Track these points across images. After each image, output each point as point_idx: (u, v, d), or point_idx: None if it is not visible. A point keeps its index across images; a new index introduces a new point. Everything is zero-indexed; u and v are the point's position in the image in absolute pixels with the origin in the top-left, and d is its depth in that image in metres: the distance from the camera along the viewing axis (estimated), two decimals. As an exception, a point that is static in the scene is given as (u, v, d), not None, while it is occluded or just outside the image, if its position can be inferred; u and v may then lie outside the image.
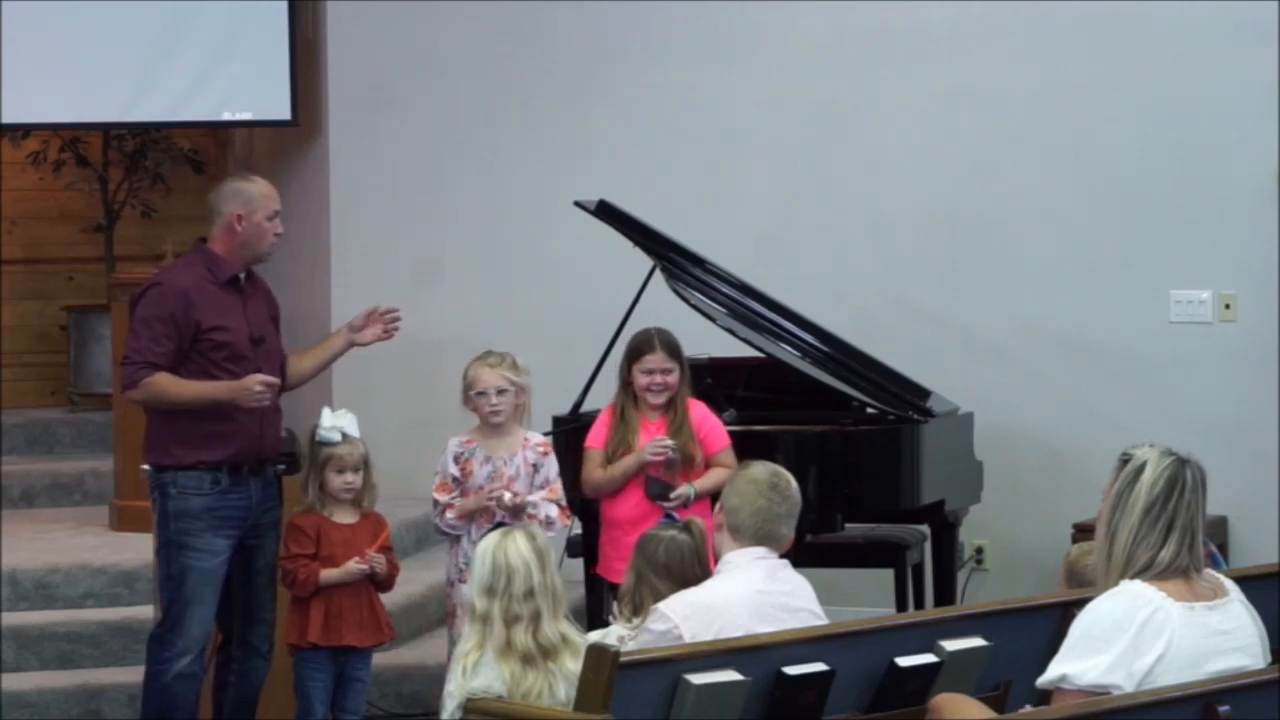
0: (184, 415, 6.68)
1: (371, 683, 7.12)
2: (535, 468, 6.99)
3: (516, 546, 5.44)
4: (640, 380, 7.10)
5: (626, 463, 7.04)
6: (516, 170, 9.43)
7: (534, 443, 7.04)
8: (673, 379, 7.08)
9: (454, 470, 6.97)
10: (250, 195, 6.82)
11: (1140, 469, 4.71)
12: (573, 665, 5.25)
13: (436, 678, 6.80)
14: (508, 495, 6.85)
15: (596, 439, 7.15)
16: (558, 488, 7.02)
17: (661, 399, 7.08)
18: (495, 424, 6.97)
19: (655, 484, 6.98)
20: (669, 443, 6.98)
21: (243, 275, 6.84)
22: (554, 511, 6.95)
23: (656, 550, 5.72)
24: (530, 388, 7.07)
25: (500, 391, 6.96)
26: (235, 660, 6.84)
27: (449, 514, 6.93)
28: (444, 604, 7.20)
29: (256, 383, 6.62)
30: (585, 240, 8.49)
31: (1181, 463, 4.72)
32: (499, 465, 6.96)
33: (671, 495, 6.95)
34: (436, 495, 6.97)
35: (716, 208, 9.02)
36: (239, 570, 6.79)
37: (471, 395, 7.00)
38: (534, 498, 6.93)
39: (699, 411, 7.15)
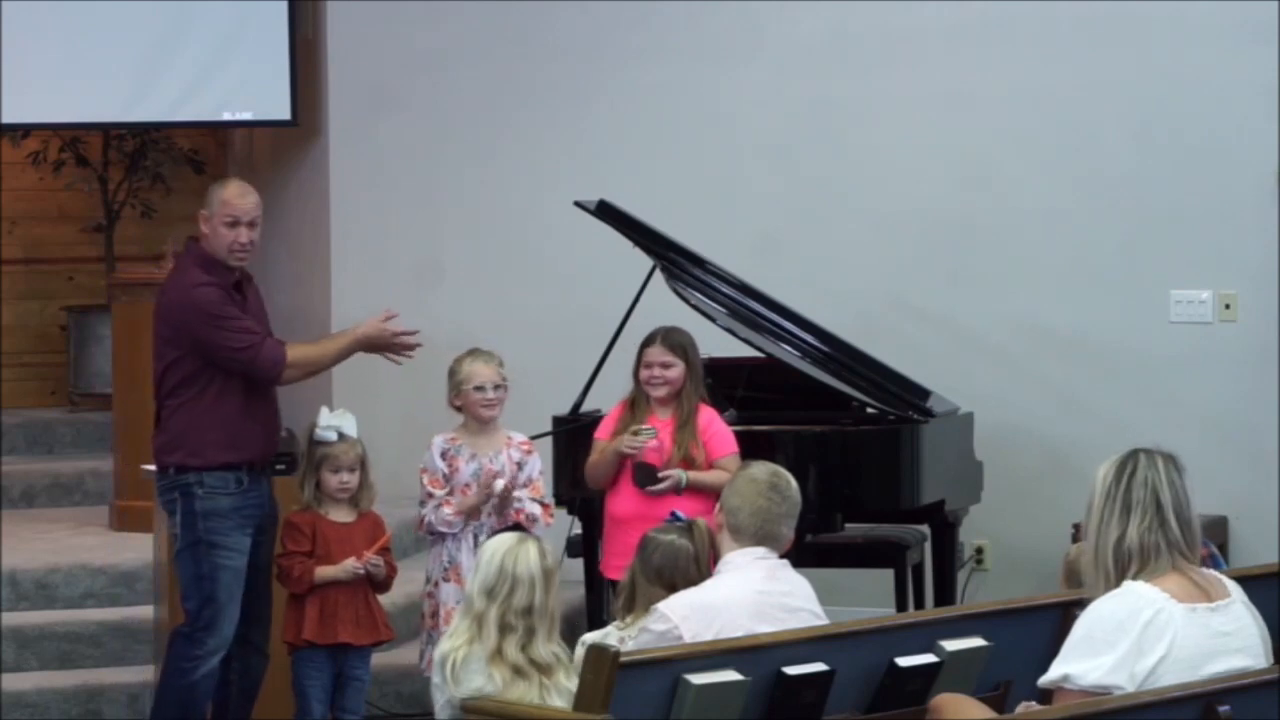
0: (223, 416, 6.59)
1: (372, 682, 7.13)
2: (520, 466, 7.02)
3: (528, 558, 5.40)
4: (642, 373, 7.10)
5: (607, 449, 7.02)
6: (516, 170, 9.42)
7: (517, 441, 7.09)
8: (672, 374, 7.07)
9: (443, 466, 6.97)
10: (213, 197, 6.66)
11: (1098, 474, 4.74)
12: (566, 682, 5.26)
13: (436, 678, 6.79)
14: (499, 483, 6.88)
15: (604, 430, 7.15)
16: (540, 486, 7.06)
17: (660, 392, 7.06)
18: (488, 419, 7.02)
19: (641, 469, 6.97)
20: (642, 438, 6.96)
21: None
22: (537, 510, 6.99)
23: (652, 554, 5.72)
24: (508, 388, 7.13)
25: (495, 386, 7.01)
26: (236, 658, 6.80)
27: (446, 509, 6.92)
28: (427, 604, 7.05)
29: (386, 318, 6.81)
30: (585, 240, 8.48)
31: (1134, 451, 4.73)
32: (484, 463, 6.98)
33: (659, 476, 6.93)
34: (433, 490, 6.96)
35: (716, 208, 9.01)
36: None
37: (469, 390, 7.00)
38: (519, 493, 6.96)
39: (708, 416, 7.13)
